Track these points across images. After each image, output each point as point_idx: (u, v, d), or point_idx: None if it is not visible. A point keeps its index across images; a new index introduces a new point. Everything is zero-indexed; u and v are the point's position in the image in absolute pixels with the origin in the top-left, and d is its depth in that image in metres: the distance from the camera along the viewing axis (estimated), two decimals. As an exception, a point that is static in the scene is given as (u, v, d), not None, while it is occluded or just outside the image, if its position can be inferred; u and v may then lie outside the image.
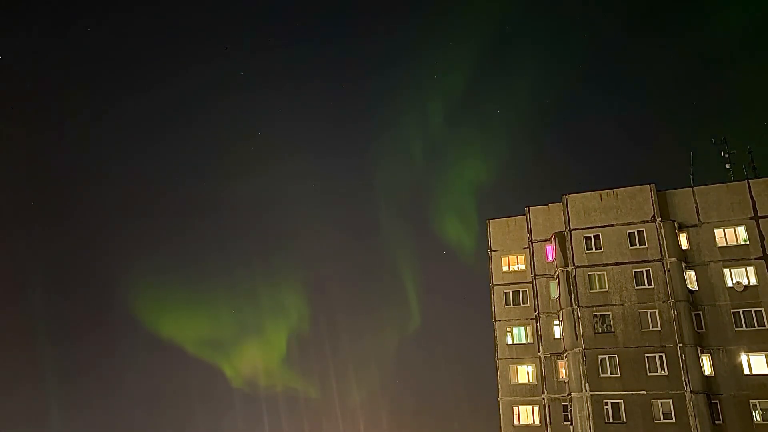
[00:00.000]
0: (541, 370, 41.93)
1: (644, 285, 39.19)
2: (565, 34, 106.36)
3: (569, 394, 39.05)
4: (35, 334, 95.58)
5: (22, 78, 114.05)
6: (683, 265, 39.03)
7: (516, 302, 45.25)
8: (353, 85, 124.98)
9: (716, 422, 35.51)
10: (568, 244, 41.86)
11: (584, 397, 37.84)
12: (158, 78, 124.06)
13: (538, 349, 42.68)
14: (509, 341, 44.56)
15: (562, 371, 40.97)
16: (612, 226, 41.19)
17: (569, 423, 39.33)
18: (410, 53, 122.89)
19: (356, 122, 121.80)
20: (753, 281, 37.54)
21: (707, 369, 36.88)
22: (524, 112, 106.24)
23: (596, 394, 37.70)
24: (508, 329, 44.87)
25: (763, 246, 37.89)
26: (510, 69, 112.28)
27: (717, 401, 35.98)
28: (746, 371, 35.98)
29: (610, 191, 42.09)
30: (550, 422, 40.70)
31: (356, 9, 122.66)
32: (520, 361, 43.83)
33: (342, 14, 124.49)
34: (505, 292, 45.71)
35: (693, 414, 35.27)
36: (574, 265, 41.16)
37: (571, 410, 38.86)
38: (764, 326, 36.46)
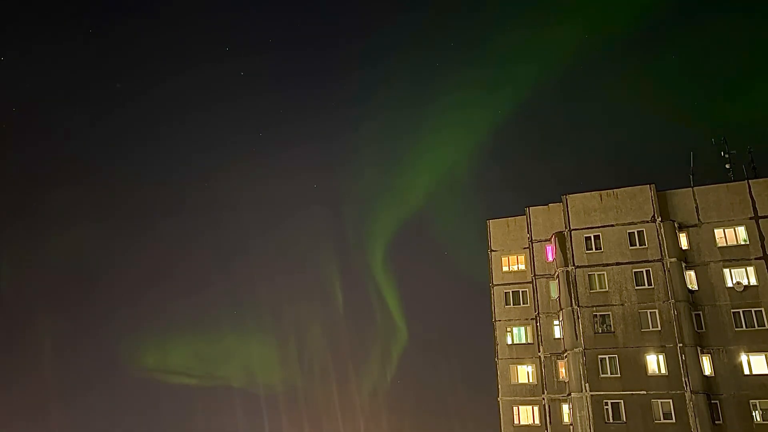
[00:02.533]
0: (541, 370, 41.92)
1: (644, 285, 39.18)
2: (565, 30, 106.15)
3: (569, 394, 39.04)
4: (34, 333, 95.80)
5: (23, 79, 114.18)
6: (683, 265, 39.02)
7: (516, 302, 45.25)
8: (354, 86, 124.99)
9: (716, 422, 35.50)
10: (568, 244, 41.86)
11: (584, 397, 37.83)
12: (158, 79, 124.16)
13: (538, 349, 42.67)
14: (509, 341, 44.55)
15: (562, 371, 40.96)
16: (612, 226, 41.18)
17: (569, 423, 39.32)
18: (412, 54, 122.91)
19: (356, 123, 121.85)
20: (753, 281, 37.52)
21: (707, 369, 36.87)
22: (524, 109, 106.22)
23: (596, 394, 37.68)
24: (508, 329, 44.86)
25: (763, 246, 37.88)
26: (508, 67, 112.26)
27: (717, 401, 35.97)
28: (746, 371, 35.96)
29: (610, 191, 42.08)
30: (550, 422, 40.69)
31: (356, 10, 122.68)
32: (520, 361, 43.82)
33: (343, 15, 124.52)
34: (505, 292, 45.71)
35: (693, 414, 35.26)
36: (574, 265, 41.16)
37: (571, 410, 38.85)
38: (764, 326, 36.45)
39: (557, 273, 41.88)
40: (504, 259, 46.70)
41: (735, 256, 38.35)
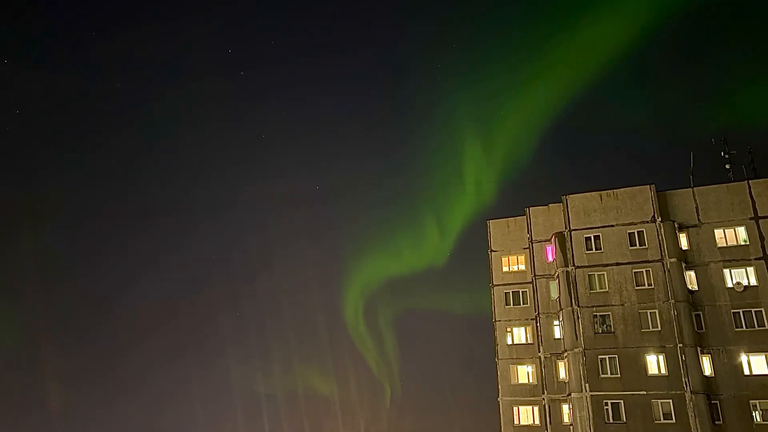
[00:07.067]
0: (541, 370, 41.92)
1: (644, 285, 39.19)
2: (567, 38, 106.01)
3: (569, 395, 39.04)
4: (38, 331, 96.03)
5: (25, 85, 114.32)
6: (683, 265, 39.02)
7: (516, 302, 45.25)
8: (356, 88, 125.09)
9: (716, 422, 35.49)
10: (568, 245, 41.87)
11: (584, 398, 37.83)
12: (159, 79, 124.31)
13: (538, 349, 42.67)
14: (509, 341, 44.55)
15: (562, 371, 40.97)
16: (612, 226, 41.19)
17: (569, 423, 39.32)
18: (413, 56, 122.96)
19: (357, 123, 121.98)
20: (753, 281, 37.52)
21: (707, 369, 36.87)
22: (525, 111, 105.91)
23: (596, 395, 37.68)
24: (509, 329, 44.86)
25: (763, 246, 37.88)
26: (511, 68, 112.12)
27: (717, 401, 35.97)
28: (746, 371, 35.97)
29: (610, 191, 42.10)
30: (550, 422, 40.69)
31: (357, 12, 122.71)
32: (520, 361, 43.82)
33: (343, 17, 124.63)
34: (506, 293, 45.71)
35: (693, 414, 35.26)
36: (574, 265, 41.16)
37: (571, 410, 38.85)
38: (764, 326, 36.45)
39: (557, 273, 41.89)
40: (504, 260, 46.71)
41: (735, 257, 38.35)
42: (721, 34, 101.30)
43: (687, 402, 35.63)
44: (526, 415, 42.40)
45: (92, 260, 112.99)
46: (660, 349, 37.38)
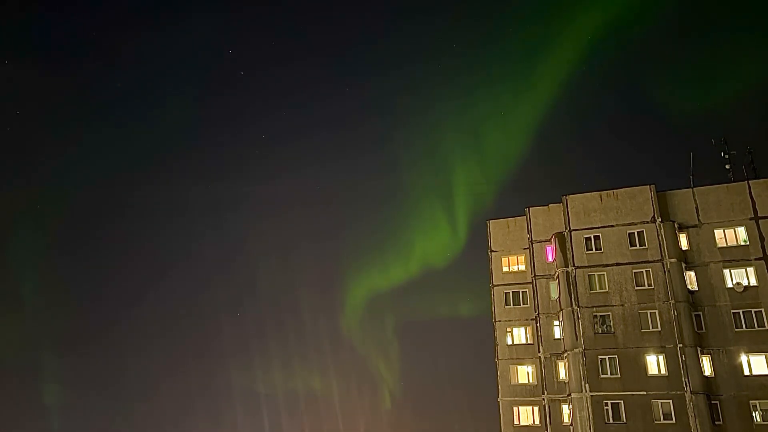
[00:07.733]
0: (541, 370, 41.91)
1: (644, 285, 39.18)
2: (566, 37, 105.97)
3: (569, 395, 39.03)
4: (42, 338, 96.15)
5: (25, 85, 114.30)
6: (683, 265, 39.01)
7: (516, 303, 45.24)
8: (357, 88, 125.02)
9: (716, 423, 35.48)
10: (568, 245, 41.86)
11: (584, 398, 37.83)
12: (159, 83, 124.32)
13: (538, 349, 42.66)
14: (509, 342, 44.54)
15: (562, 372, 40.96)
16: (612, 226, 41.18)
17: (569, 423, 39.31)
18: (412, 57, 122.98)
19: (360, 124, 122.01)
20: (753, 282, 37.51)
21: (707, 369, 36.86)
22: (525, 111, 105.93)
23: (596, 395, 37.68)
24: (508, 330, 44.85)
25: (763, 247, 37.87)
26: (511, 70, 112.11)
27: (717, 402, 35.96)
28: (746, 372, 35.96)
29: (611, 192, 42.08)
30: (550, 423, 40.67)
31: (357, 13, 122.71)
32: (520, 361, 43.81)
33: (342, 18, 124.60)
34: (506, 293, 45.70)
35: (693, 414, 35.25)
36: (574, 265, 41.16)
37: (571, 411, 38.84)
38: (764, 327, 36.44)
39: (557, 273, 41.89)
40: (504, 260, 46.68)
41: (735, 257, 38.34)
42: (721, 30, 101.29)
43: (687, 402, 35.63)
44: (526, 415, 42.39)
45: (93, 263, 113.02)
46: (660, 350, 37.37)
